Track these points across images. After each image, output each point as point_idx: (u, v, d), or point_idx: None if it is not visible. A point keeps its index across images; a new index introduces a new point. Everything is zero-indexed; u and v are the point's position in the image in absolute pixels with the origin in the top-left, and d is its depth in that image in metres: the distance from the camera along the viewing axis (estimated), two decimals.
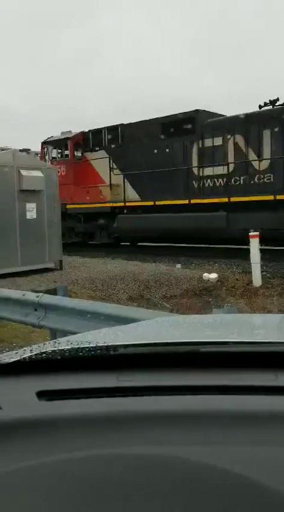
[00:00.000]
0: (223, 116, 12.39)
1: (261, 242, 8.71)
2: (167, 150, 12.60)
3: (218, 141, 11.71)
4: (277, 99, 11.07)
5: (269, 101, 11.16)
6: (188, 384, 0.77)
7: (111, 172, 13.89)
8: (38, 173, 9.67)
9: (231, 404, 0.71)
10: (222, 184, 11.73)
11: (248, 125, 11.28)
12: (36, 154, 17.42)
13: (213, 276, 8.89)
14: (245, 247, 9.14)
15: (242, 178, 11.41)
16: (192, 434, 0.65)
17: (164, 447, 0.62)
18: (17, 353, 0.90)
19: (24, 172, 9.37)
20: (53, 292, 5.18)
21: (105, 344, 0.90)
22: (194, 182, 12.22)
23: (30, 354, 0.87)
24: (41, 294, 4.33)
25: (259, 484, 0.55)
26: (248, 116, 11.35)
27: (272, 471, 0.57)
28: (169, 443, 0.63)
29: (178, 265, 10.50)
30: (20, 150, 13.05)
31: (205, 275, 8.94)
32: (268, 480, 0.55)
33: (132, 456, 0.62)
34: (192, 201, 11.80)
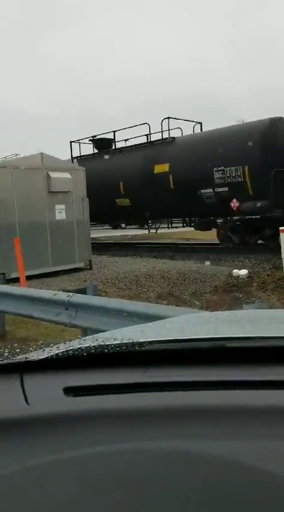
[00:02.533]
0: None
1: None
2: None
3: None
4: None
5: None
6: (214, 379, 0.76)
7: None
8: (67, 175, 9.82)
9: (259, 399, 0.70)
10: None
11: None
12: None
13: (243, 272, 8.76)
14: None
15: None
16: (219, 429, 0.64)
17: (191, 442, 0.63)
18: (44, 350, 0.92)
19: (53, 174, 9.54)
20: (83, 291, 5.26)
21: (131, 340, 0.91)
22: None
23: (57, 351, 0.89)
24: (71, 293, 4.41)
25: (275, 479, 0.54)
26: None
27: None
28: (196, 437, 0.63)
29: (207, 262, 10.41)
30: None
31: (235, 271, 8.82)
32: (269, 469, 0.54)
33: (159, 451, 0.62)
34: None
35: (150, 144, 14.40)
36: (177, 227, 15.84)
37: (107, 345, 0.89)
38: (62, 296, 4.36)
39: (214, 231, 13.42)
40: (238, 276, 8.65)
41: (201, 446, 0.61)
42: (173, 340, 0.96)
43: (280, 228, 8.89)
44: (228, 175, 11.76)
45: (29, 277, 7.78)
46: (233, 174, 11.63)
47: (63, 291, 5.69)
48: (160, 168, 13.28)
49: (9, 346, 4.40)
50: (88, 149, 17.01)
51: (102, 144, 16.47)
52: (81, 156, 16.35)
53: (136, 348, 0.88)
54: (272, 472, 0.55)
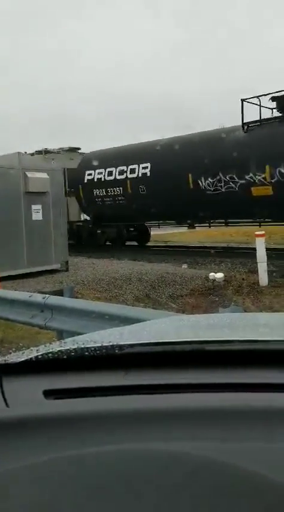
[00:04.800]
0: None
1: None
2: None
3: None
4: None
5: None
6: (193, 382, 0.77)
7: None
8: (44, 175, 9.71)
9: (236, 401, 0.71)
10: None
11: None
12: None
13: (219, 275, 8.87)
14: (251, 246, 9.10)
15: None
16: (199, 431, 0.65)
17: (172, 443, 0.63)
18: (23, 353, 0.91)
19: (29, 174, 9.42)
20: (59, 293, 5.20)
21: (111, 343, 0.91)
22: None
23: (37, 354, 0.88)
24: (47, 295, 4.35)
25: (268, 480, 0.55)
26: None
27: (279, 466, 0.57)
28: (177, 439, 0.64)
29: (185, 265, 10.49)
30: None
31: (212, 275, 8.92)
32: (277, 476, 0.55)
33: (140, 453, 0.62)
34: None
35: None
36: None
37: (87, 348, 0.88)
38: (38, 298, 4.30)
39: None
40: (215, 280, 8.75)
41: (182, 447, 0.62)
42: (153, 343, 0.96)
43: (255, 233, 9.05)
44: None
45: (3, 278, 7.64)
46: None
47: (39, 292, 5.62)
48: None
49: None
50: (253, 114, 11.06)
51: None
52: (260, 121, 11.38)
53: (117, 350, 0.88)
54: (255, 472, 0.56)
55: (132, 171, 14.27)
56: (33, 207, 9.56)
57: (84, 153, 17.35)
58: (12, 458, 0.62)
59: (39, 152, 16.95)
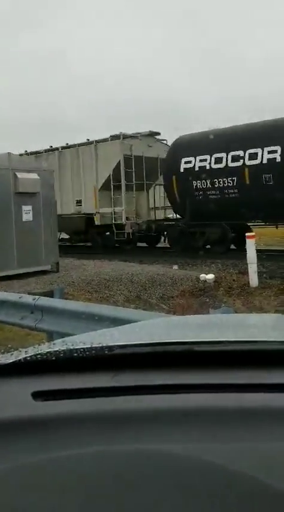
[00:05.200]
0: None
1: None
2: None
3: None
4: None
5: None
6: (183, 383, 0.77)
7: None
8: (34, 175, 9.66)
9: (225, 401, 0.71)
10: None
11: None
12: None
13: (210, 276, 8.90)
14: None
15: None
16: (189, 432, 0.65)
17: (162, 444, 0.63)
18: (12, 355, 0.90)
19: (20, 175, 9.36)
20: (49, 294, 5.17)
21: (100, 344, 0.90)
22: None
23: (26, 356, 0.87)
24: (37, 296, 4.33)
25: (256, 481, 0.55)
26: None
27: (267, 466, 0.58)
28: (167, 440, 0.64)
29: (175, 267, 10.51)
30: None
31: (202, 276, 8.95)
32: (264, 476, 0.56)
33: (130, 454, 0.62)
34: None
35: None
36: None
37: (76, 349, 0.88)
38: (28, 299, 4.28)
39: None
40: (205, 281, 8.79)
41: (172, 448, 0.62)
42: (143, 344, 0.96)
43: (247, 234, 9.10)
44: None
45: None
46: None
47: (29, 293, 5.58)
48: None
49: None
50: None
51: None
52: None
53: (106, 352, 0.87)
54: (242, 473, 0.57)
55: (253, 156, 11.27)
56: (24, 207, 9.51)
57: (163, 140, 15.24)
58: (0, 460, 0.62)
59: (115, 137, 14.57)
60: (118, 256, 12.48)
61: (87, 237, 15.79)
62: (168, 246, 14.24)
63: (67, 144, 16.10)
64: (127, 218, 14.34)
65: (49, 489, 0.57)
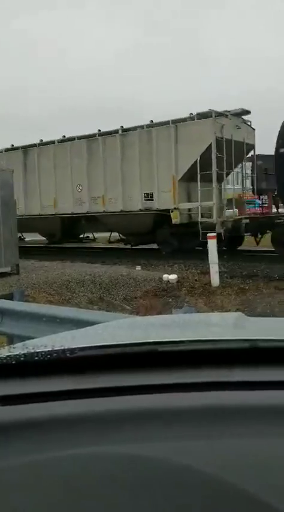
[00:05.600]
0: None
1: None
2: None
3: None
4: None
5: None
6: (147, 383, 0.77)
7: None
8: None
9: (189, 401, 0.72)
10: None
11: None
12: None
13: (173, 276, 9.00)
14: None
15: None
16: (151, 432, 0.65)
17: (124, 446, 0.63)
18: None
19: None
20: (9, 297, 5.04)
21: (62, 347, 0.89)
22: None
23: None
24: None
25: (219, 479, 0.56)
26: None
27: (229, 465, 0.58)
28: (128, 441, 0.63)
29: (138, 267, 10.54)
30: None
31: (165, 276, 9.03)
32: (227, 474, 0.56)
33: (92, 457, 0.61)
34: None
35: None
36: None
37: (37, 353, 0.86)
38: None
39: None
40: (168, 281, 8.87)
41: (134, 449, 0.61)
42: (105, 345, 0.95)
43: (208, 234, 9.28)
44: None
45: None
46: None
47: None
48: None
49: None
50: None
51: None
52: None
53: (68, 354, 0.86)
54: (209, 472, 0.57)
55: None
56: None
57: (248, 121, 12.68)
58: None
59: (203, 115, 11.85)
60: (81, 257, 12.36)
61: (150, 239, 13.05)
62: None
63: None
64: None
65: (9, 495, 0.56)
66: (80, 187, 13.97)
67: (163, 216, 12.14)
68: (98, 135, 13.60)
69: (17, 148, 15.66)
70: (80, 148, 13.85)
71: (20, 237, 16.74)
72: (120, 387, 0.77)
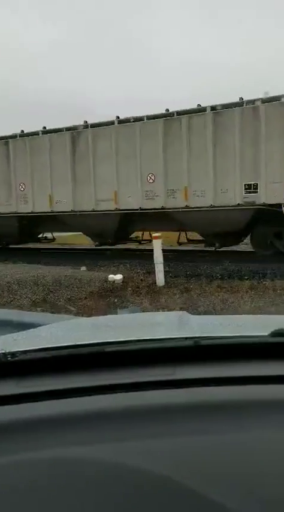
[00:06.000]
0: None
1: None
2: None
3: None
4: None
5: None
6: (92, 385, 0.76)
7: None
8: None
9: (135, 400, 0.72)
10: None
11: None
12: None
13: (118, 277, 9.00)
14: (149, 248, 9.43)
15: None
16: (98, 433, 0.64)
17: (70, 448, 0.61)
18: None
19: None
20: None
21: (3, 351, 0.85)
22: None
23: None
24: None
25: (170, 479, 0.56)
26: None
27: (179, 462, 0.59)
28: (71, 444, 0.62)
29: (83, 268, 10.43)
30: None
31: (110, 276, 9.01)
32: (171, 472, 0.57)
33: (35, 461, 0.59)
34: None
35: None
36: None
37: None
38: None
39: None
40: (114, 281, 8.86)
41: (82, 451, 0.61)
42: (48, 348, 0.92)
43: (153, 234, 9.39)
44: None
45: None
46: None
47: None
48: None
49: None
50: None
51: None
52: None
53: (9, 358, 0.83)
54: (156, 471, 0.57)
55: None
56: None
57: None
58: None
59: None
60: (24, 258, 11.99)
61: (238, 239, 11.44)
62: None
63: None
64: None
65: None
66: (152, 177, 11.35)
67: (266, 212, 10.05)
68: (176, 114, 11.02)
69: (60, 130, 12.90)
70: (153, 130, 11.16)
71: (45, 237, 15.07)
72: (65, 389, 0.75)
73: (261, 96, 10.19)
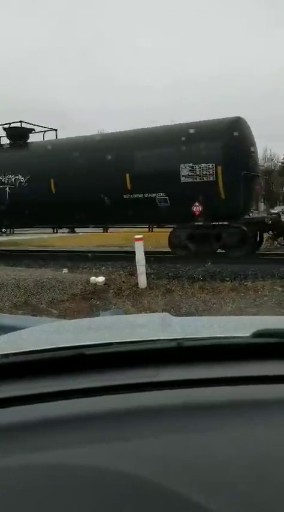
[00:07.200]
0: None
1: None
2: None
3: None
4: None
5: None
6: (74, 388, 0.75)
7: None
8: None
9: (116, 403, 0.71)
10: None
11: None
12: None
13: (100, 279, 8.96)
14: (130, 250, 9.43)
15: None
16: (79, 437, 0.64)
17: (53, 452, 0.61)
18: None
19: None
20: None
21: None
22: None
23: None
24: None
25: (150, 479, 0.56)
26: None
27: (163, 465, 0.59)
28: (57, 448, 0.62)
29: (65, 270, 10.35)
30: None
31: (93, 278, 8.96)
32: (157, 474, 0.57)
33: (16, 466, 0.58)
34: None
35: None
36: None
37: None
38: None
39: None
40: (96, 283, 8.82)
41: (62, 456, 0.60)
42: (29, 351, 0.91)
43: (135, 236, 9.40)
44: None
45: None
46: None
47: None
48: None
49: None
50: None
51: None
52: None
53: None
54: (135, 472, 0.57)
55: None
56: None
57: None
58: None
59: None
60: (3, 260, 11.83)
61: None
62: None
63: None
64: None
65: None
66: None
67: None
68: None
69: None
70: None
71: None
72: (46, 393, 0.74)
73: None
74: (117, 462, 0.58)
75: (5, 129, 14.86)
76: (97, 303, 7.88)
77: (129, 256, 10.14)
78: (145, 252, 9.11)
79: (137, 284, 8.71)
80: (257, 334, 0.89)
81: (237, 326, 1.33)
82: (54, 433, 0.65)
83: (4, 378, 0.79)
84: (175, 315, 1.63)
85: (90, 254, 12.42)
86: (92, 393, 0.74)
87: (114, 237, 16.59)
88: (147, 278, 8.89)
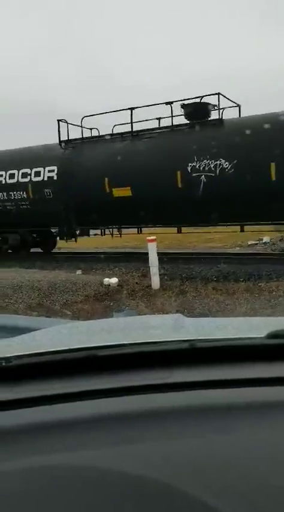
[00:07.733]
0: None
1: None
2: None
3: None
4: None
5: None
6: (87, 389, 0.75)
7: None
8: None
9: (130, 405, 0.71)
10: None
11: None
12: None
13: (113, 280, 8.99)
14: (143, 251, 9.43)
15: None
16: (93, 438, 0.64)
17: (68, 454, 0.61)
18: None
19: None
20: None
21: None
22: None
23: None
24: None
25: (162, 481, 0.56)
26: None
27: (173, 466, 0.58)
28: (73, 449, 0.62)
29: (79, 271, 10.41)
30: None
31: (106, 280, 8.99)
32: (169, 476, 0.56)
33: (17, 470, 0.59)
34: None
35: None
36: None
37: None
38: None
39: None
40: (109, 285, 8.84)
41: (78, 457, 0.60)
42: (43, 352, 0.92)
43: (147, 238, 9.40)
44: None
45: None
46: None
47: None
48: None
49: None
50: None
51: None
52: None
53: (3, 363, 0.82)
54: (146, 475, 0.56)
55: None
56: None
57: None
58: None
59: None
60: (18, 263, 11.95)
61: None
62: None
63: None
64: None
65: None
66: None
67: None
68: None
69: None
70: None
71: None
72: (60, 394, 0.74)
73: None
74: (130, 464, 0.58)
75: (183, 105, 11.52)
76: (111, 304, 7.90)
77: (142, 257, 10.14)
78: (158, 253, 9.11)
79: (150, 285, 8.71)
80: (272, 335, 0.88)
81: (251, 327, 1.32)
82: (66, 435, 0.65)
83: (18, 380, 0.79)
84: (188, 316, 1.62)
85: (102, 256, 12.46)
86: (105, 394, 0.74)
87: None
88: (160, 279, 8.88)
